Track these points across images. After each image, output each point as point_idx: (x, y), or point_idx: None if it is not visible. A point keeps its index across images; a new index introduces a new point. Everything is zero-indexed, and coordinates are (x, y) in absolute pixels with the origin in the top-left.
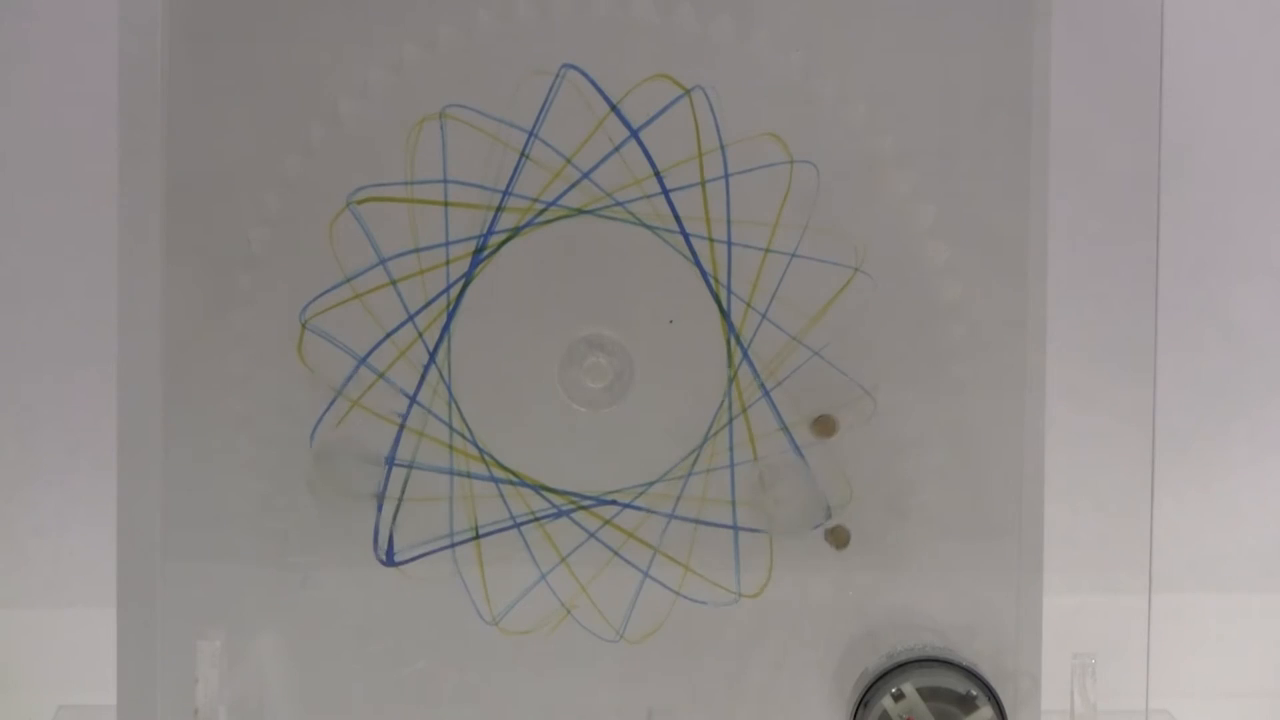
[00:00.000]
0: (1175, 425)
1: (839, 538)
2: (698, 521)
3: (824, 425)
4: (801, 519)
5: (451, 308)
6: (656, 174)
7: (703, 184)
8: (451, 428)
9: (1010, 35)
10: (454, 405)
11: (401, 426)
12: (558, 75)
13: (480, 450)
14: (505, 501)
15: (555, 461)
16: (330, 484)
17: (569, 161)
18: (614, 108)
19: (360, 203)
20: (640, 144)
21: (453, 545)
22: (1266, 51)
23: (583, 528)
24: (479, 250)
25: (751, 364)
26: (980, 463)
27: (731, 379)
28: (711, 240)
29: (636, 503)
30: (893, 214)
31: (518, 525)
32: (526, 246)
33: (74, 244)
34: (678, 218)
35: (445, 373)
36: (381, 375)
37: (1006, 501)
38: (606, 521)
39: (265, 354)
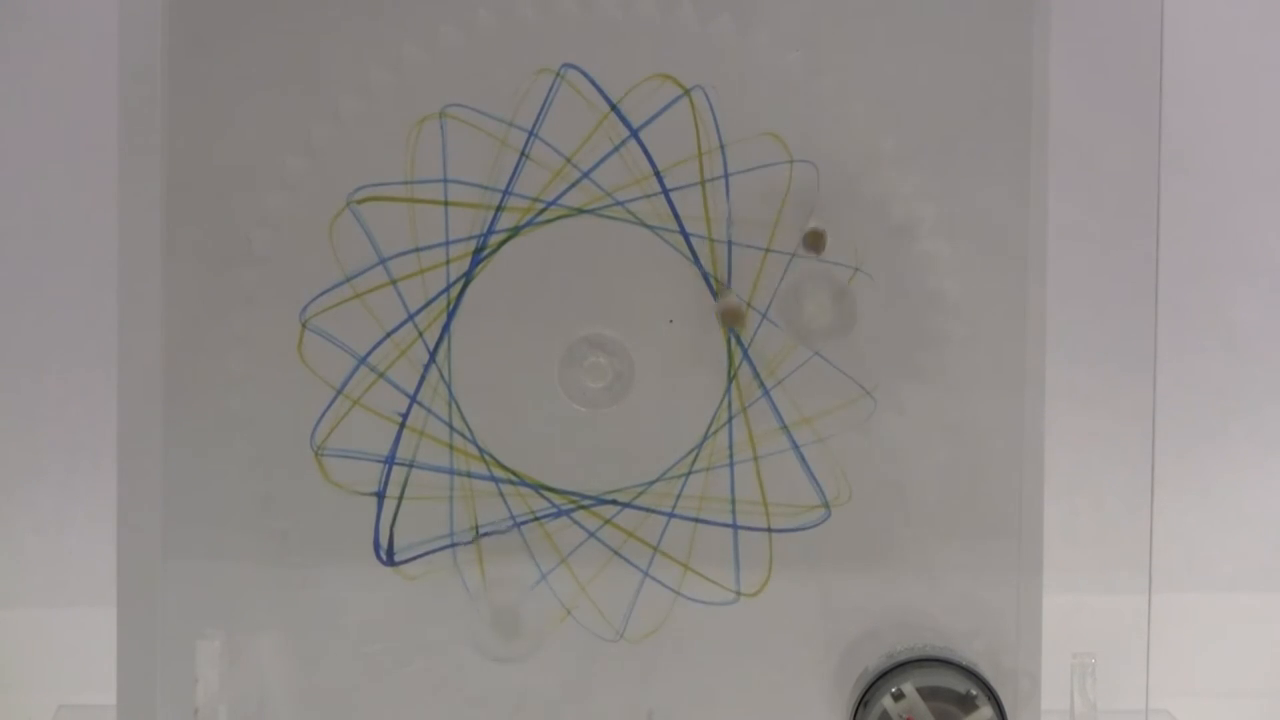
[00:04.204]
0: (1175, 425)
1: (816, 240)
2: (697, 520)
3: (815, 238)
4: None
5: (451, 307)
6: (656, 173)
7: (702, 183)
8: (451, 427)
9: (1010, 35)
10: (454, 405)
11: (402, 426)
12: (558, 74)
13: (480, 450)
14: (505, 501)
15: (555, 461)
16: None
17: (569, 161)
18: (614, 107)
19: (360, 202)
20: (640, 143)
21: (453, 545)
22: (1266, 51)
23: (583, 527)
24: (479, 250)
25: (751, 363)
26: (980, 463)
27: (731, 378)
28: (711, 240)
29: (636, 502)
30: (893, 214)
31: (518, 525)
32: (526, 246)
33: (74, 244)
34: (678, 217)
35: (445, 372)
36: (382, 375)
37: (1006, 501)
38: (606, 521)
39: (265, 354)
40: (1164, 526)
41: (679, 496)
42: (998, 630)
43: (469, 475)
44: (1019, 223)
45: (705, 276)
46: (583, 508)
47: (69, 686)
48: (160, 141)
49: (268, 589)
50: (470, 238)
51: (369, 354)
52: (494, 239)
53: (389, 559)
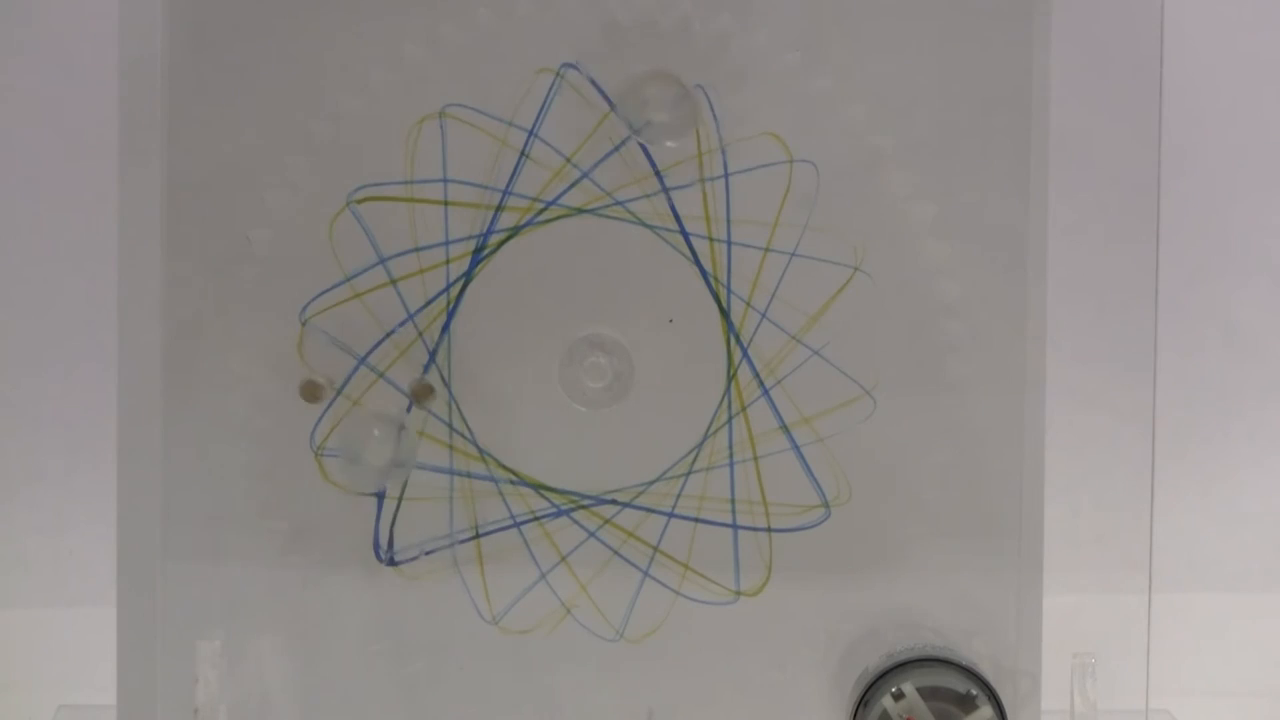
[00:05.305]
0: (1175, 425)
1: (422, 393)
2: (697, 520)
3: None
4: None
5: (451, 307)
6: (656, 173)
7: (702, 183)
8: (451, 427)
9: (1010, 34)
10: (454, 405)
11: (401, 426)
12: (558, 74)
13: (480, 450)
14: (505, 501)
15: (555, 461)
16: None
17: (569, 161)
18: (614, 107)
19: (360, 202)
20: (640, 143)
21: (453, 545)
22: (1266, 51)
23: (583, 527)
24: (479, 250)
25: (751, 363)
26: (980, 463)
27: (731, 378)
28: (711, 240)
29: (636, 502)
30: (893, 214)
31: (518, 525)
32: (526, 246)
33: (74, 244)
34: (677, 217)
35: (445, 372)
36: (382, 375)
37: (1006, 501)
38: (606, 521)
39: (265, 354)
40: (1164, 526)
41: (679, 496)
42: (998, 630)
43: (469, 475)
44: (1019, 223)
45: (705, 276)
46: (582, 508)
47: (69, 686)
48: (160, 141)
49: (268, 589)
50: (470, 238)
51: (369, 354)
52: (494, 239)
53: (389, 559)
